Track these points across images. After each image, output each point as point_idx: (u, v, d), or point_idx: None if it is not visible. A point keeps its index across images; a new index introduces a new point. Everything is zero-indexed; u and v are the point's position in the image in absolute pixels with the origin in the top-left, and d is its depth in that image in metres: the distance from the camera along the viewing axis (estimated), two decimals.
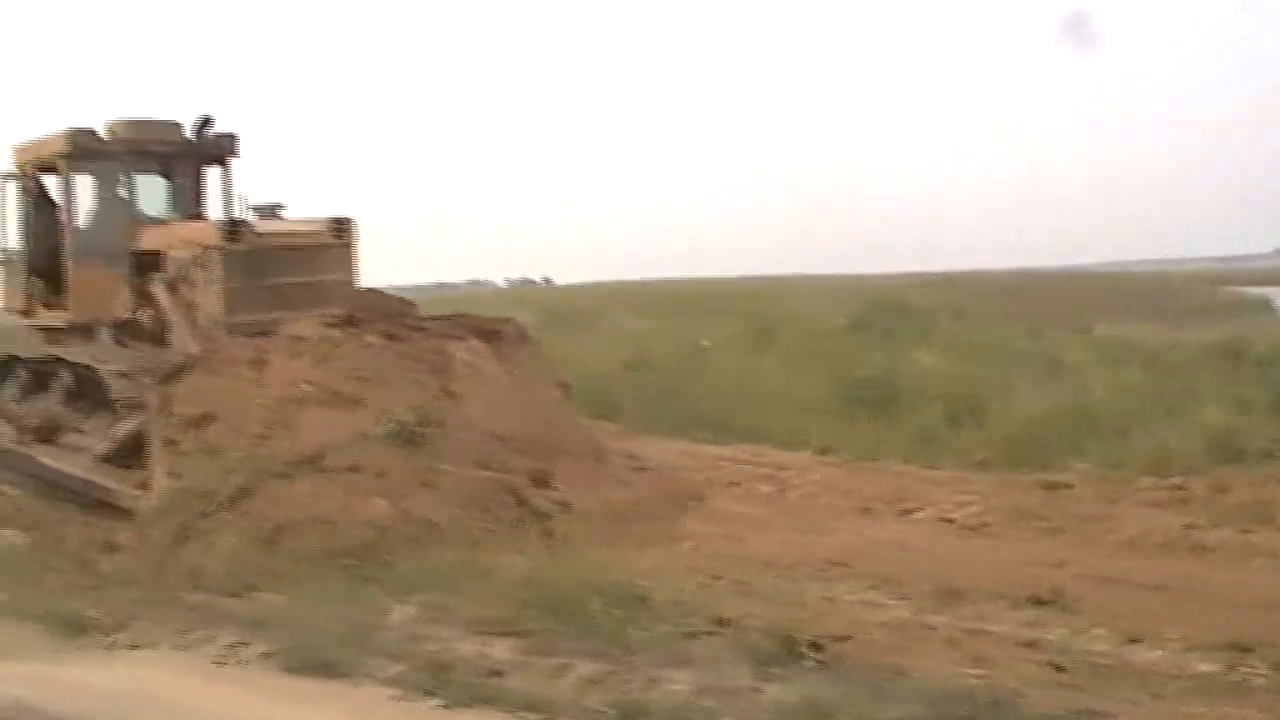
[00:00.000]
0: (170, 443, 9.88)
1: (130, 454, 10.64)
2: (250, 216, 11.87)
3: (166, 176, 13.49)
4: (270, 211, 11.89)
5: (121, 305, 12.55)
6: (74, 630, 7.25)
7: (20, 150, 13.31)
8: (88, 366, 11.60)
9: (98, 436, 11.40)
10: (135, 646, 7.02)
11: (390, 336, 10.61)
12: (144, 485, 10.20)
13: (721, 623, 6.67)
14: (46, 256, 13.10)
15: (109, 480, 10.64)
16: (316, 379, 9.96)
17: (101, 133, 12.61)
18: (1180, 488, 9.83)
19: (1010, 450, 11.60)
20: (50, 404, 12.34)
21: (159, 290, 11.74)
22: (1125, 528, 8.93)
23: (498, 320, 11.93)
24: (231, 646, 6.78)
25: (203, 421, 9.89)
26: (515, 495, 9.39)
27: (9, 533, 10.34)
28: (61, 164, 12.66)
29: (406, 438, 9.45)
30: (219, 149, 13.18)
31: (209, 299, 11.36)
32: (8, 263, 13.72)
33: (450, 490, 9.23)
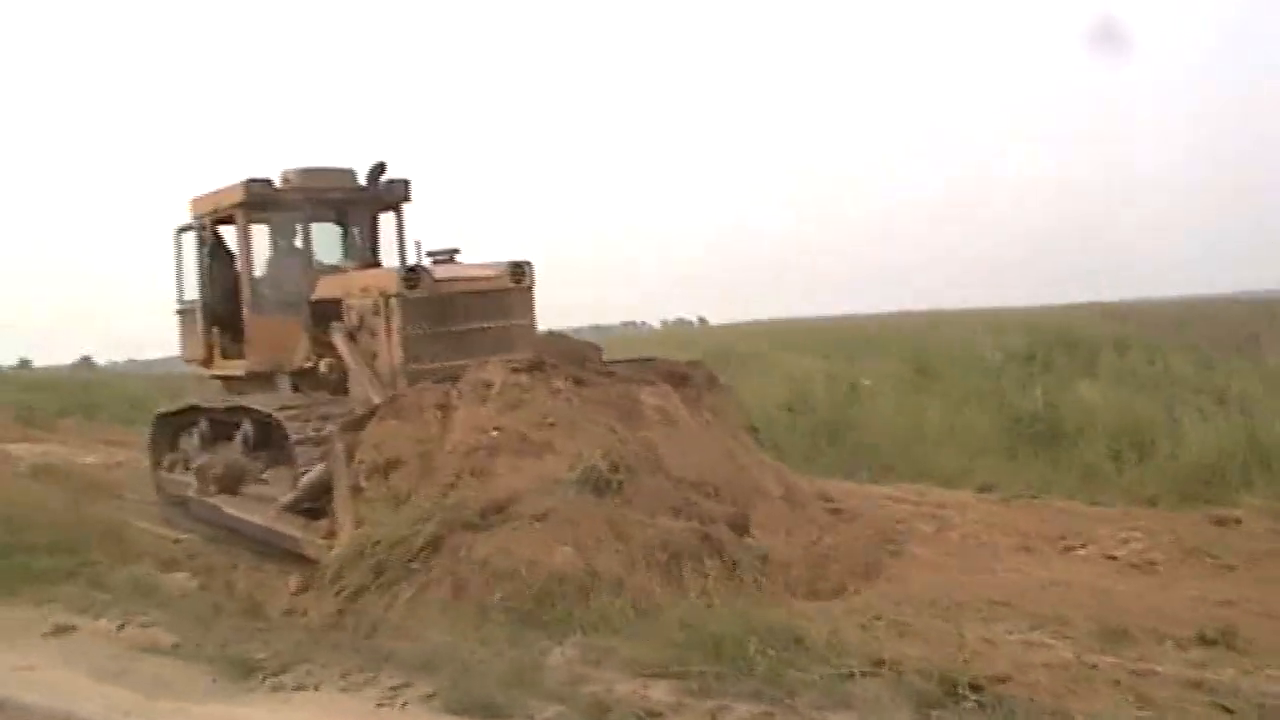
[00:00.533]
0: (356, 490, 9.62)
1: (314, 503, 10.47)
2: (426, 262, 11.62)
3: (341, 224, 13.50)
4: (447, 256, 11.64)
5: (300, 354, 12.49)
6: (240, 672, 7.63)
7: (197, 202, 13.37)
8: (269, 416, 11.45)
9: (280, 486, 11.32)
10: (300, 688, 7.32)
11: (578, 382, 10.31)
12: (330, 533, 10.00)
13: (880, 664, 6.50)
14: (225, 307, 13.12)
15: (293, 529, 10.49)
16: (505, 425, 9.65)
17: (276, 182, 12.60)
18: None
19: (1177, 486, 11.32)
20: (232, 453, 12.34)
21: (338, 338, 11.60)
22: None
23: (687, 364, 11.64)
24: (395, 689, 7.04)
25: (389, 468, 9.61)
26: (712, 544, 8.92)
27: (181, 576, 10.61)
28: (239, 214, 12.66)
29: (598, 484, 9.08)
30: (392, 195, 13.11)
31: (389, 347, 11.17)
32: (187, 313, 13.78)
33: (645, 541, 8.78)
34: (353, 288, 11.79)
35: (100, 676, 7.92)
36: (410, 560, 8.57)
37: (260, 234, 13.02)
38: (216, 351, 13.36)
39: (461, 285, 11.31)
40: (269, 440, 11.88)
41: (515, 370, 10.18)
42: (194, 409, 13.47)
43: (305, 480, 10.52)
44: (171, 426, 14.19)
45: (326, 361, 11.99)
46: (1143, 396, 15.43)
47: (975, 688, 6.02)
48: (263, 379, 12.76)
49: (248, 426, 12.12)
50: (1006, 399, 15.58)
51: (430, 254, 11.62)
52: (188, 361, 14.35)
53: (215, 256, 13.28)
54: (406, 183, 13.10)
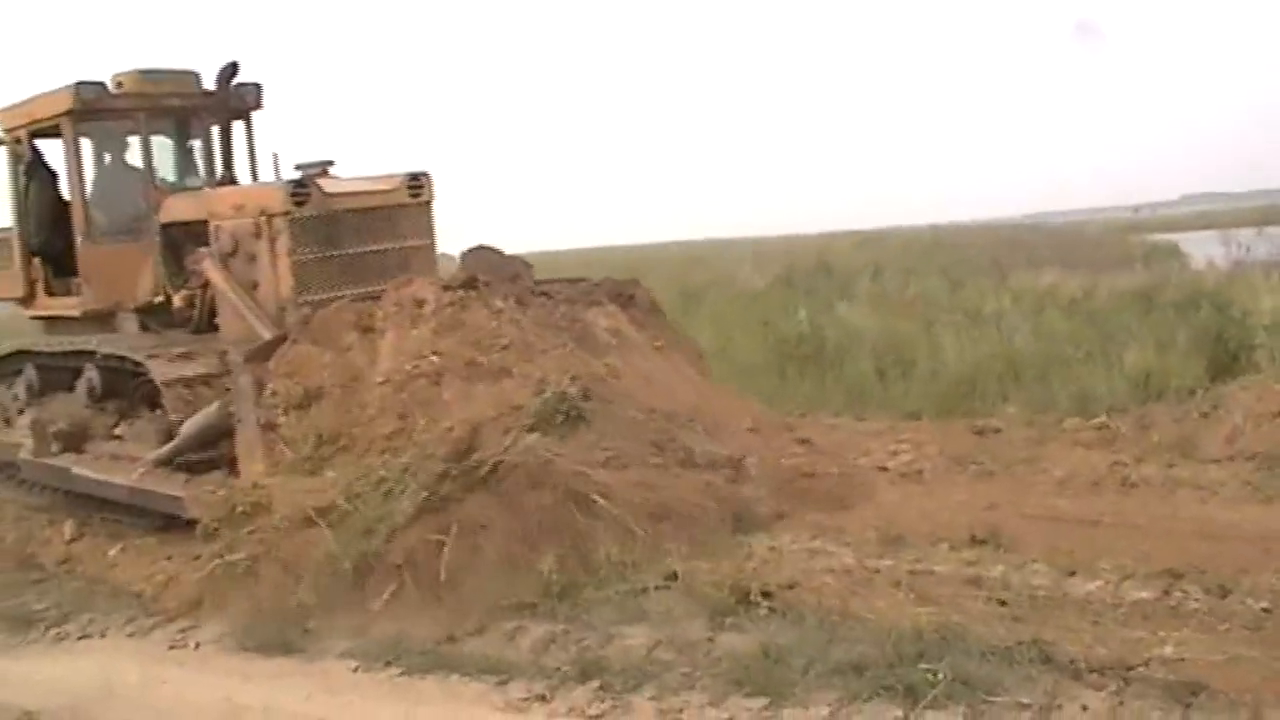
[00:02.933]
0: (269, 428, 8.04)
1: (198, 455, 8.87)
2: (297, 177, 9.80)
3: (183, 135, 11.54)
4: (320, 171, 9.74)
5: (147, 287, 10.68)
6: (19, 625, 7.66)
7: (8, 114, 11.27)
8: (124, 358, 9.65)
9: (139, 441, 9.60)
10: (85, 637, 7.37)
11: (520, 301, 8.93)
12: (221, 489, 8.44)
13: (672, 577, 6.70)
14: (47, 235, 11.15)
15: (173, 487, 8.78)
16: (445, 349, 8.23)
17: (110, 87, 10.60)
18: (1105, 427, 10.00)
19: (939, 400, 11.79)
20: (73, 405, 10.41)
21: (209, 267, 9.72)
22: (1055, 468, 9.01)
23: (628, 283, 10.14)
24: (184, 630, 7.17)
25: (308, 401, 8.10)
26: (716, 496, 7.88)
27: None
28: (66, 125, 10.59)
29: (569, 413, 7.83)
30: (242, 101, 11.17)
31: (273, 275, 9.40)
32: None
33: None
34: (222, 207, 9.90)
35: None
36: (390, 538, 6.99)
37: (87, 150, 11.03)
38: (39, 288, 11.38)
39: (355, 200, 9.59)
40: (117, 389, 10.10)
41: (447, 288, 8.73)
42: (18, 354, 11.37)
43: (189, 426, 8.79)
44: None
45: (184, 295, 10.25)
46: (900, 317, 15.99)
47: (766, 594, 6.23)
48: (101, 318, 10.87)
49: (92, 373, 10.19)
50: (771, 322, 15.82)
51: (298, 168, 9.77)
52: (2, 300, 12.28)
53: (33, 176, 11.20)
54: (258, 86, 11.19)
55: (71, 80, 10.40)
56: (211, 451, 8.76)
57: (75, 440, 10.13)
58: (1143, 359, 11.53)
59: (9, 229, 11.42)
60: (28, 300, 11.53)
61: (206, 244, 9.89)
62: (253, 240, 9.49)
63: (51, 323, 11.51)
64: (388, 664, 6.19)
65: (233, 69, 10.68)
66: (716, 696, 5.34)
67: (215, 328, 9.93)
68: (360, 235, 9.59)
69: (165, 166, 11.30)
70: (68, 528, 9.69)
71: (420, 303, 8.60)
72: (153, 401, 9.53)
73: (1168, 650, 5.31)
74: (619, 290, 9.72)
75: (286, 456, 7.92)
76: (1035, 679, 5.11)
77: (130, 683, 6.49)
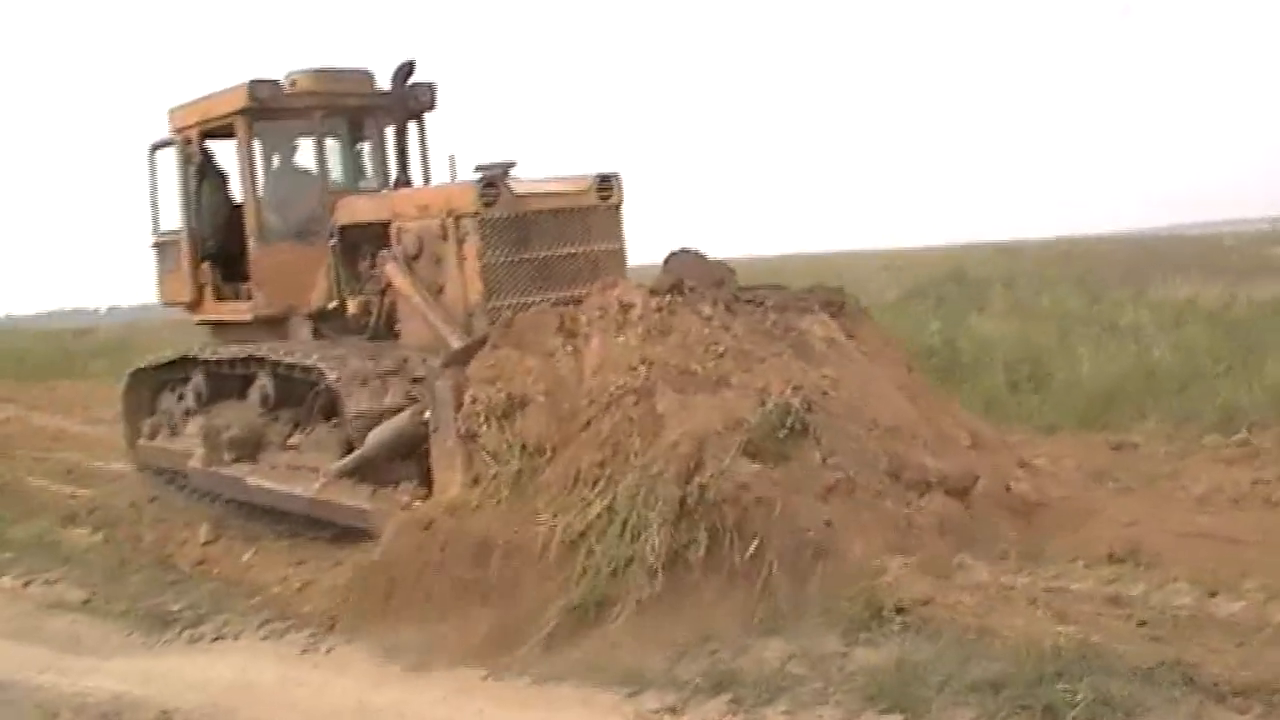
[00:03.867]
0: (469, 438, 7.41)
1: (381, 466, 8.41)
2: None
3: (356, 136, 11.10)
4: (501, 172, 9.10)
5: (321, 292, 10.19)
6: (156, 625, 7.63)
7: (181, 113, 10.85)
8: (299, 366, 9.21)
9: (315, 451, 9.17)
10: (219, 639, 7.34)
11: (728, 308, 8.21)
12: (413, 500, 7.92)
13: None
14: (218, 238, 10.73)
15: (358, 499, 8.37)
16: (654, 356, 7.53)
17: (284, 86, 10.19)
18: (1247, 443, 9.61)
19: (1075, 413, 11.34)
20: (246, 413, 9.98)
21: (392, 269, 9.20)
22: (1196, 484, 8.65)
23: (836, 290, 9.37)
24: (314, 635, 7.09)
25: (513, 410, 7.44)
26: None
27: (82, 531, 10.23)
28: (240, 124, 10.17)
29: (794, 426, 7.11)
30: (416, 102, 10.64)
31: (461, 278, 8.84)
32: (167, 247, 11.29)
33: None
34: (406, 207, 9.39)
35: (10, 635, 7.77)
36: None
37: (258, 151, 10.60)
38: (208, 292, 10.94)
39: (545, 202, 9.03)
40: (291, 397, 9.66)
41: (654, 292, 8.04)
42: (184, 362, 10.98)
43: (377, 435, 8.31)
44: (150, 385, 11.72)
45: (359, 300, 9.75)
46: (1034, 328, 15.44)
47: (900, 610, 5.98)
48: (273, 324, 10.43)
49: (265, 380, 9.78)
50: (904, 334, 14.71)
51: (479, 170, 9.15)
52: (168, 304, 11.85)
53: (205, 177, 10.81)
54: (432, 86, 10.69)
55: (243, 80, 10.06)
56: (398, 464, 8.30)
57: (249, 449, 9.69)
58: None
59: (175, 232, 11.06)
60: (195, 304, 11.10)
61: (385, 247, 9.40)
62: (439, 242, 8.95)
63: (219, 328, 11.09)
64: (521, 672, 6.10)
65: (409, 68, 10.12)
66: (851, 712, 5.22)
67: (394, 334, 9.46)
68: (550, 238, 9.03)
69: (336, 168, 10.93)
70: (203, 530, 9.59)
71: (627, 307, 7.94)
72: (329, 410, 9.08)
73: None
74: (829, 298, 9.01)
75: (489, 468, 7.32)
76: (1178, 701, 4.90)
77: (267, 683, 6.51)
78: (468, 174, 9.23)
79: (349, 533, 8.45)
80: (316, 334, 10.20)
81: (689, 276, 8.34)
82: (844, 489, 6.97)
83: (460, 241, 8.81)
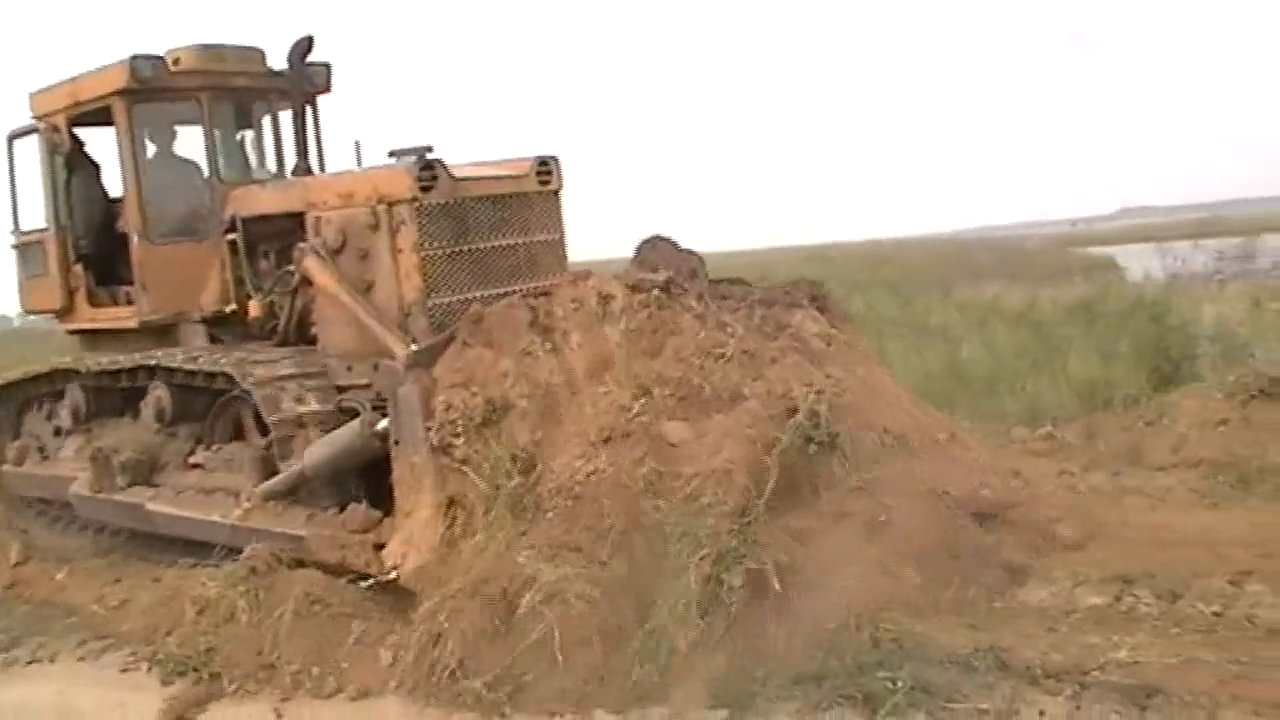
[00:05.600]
0: (444, 450, 6.38)
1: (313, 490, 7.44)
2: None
3: (244, 121, 9.88)
4: (417, 157, 7.84)
5: (213, 294, 9.03)
6: None
7: (45, 96, 9.49)
8: (208, 374, 8.09)
9: (227, 470, 8.09)
10: (34, 662, 7.11)
11: (716, 303, 7.46)
12: (367, 528, 6.94)
13: None
14: (91, 236, 9.45)
15: (289, 525, 7.30)
16: (658, 374, 6.72)
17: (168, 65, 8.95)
18: (1051, 436, 9.99)
19: None
20: (140, 431, 8.74)
21: (313, 265, 7.98)
22: None
23: (818, 284, 8.62)
24: (135, 653, 6.78)
25: (494, 418, 6.47)
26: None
27: None
28: (120, 106, 8.88)
29: (822, 441, 6.45)
30: (313, 84, 9.46)
31: (396, 274, 7.65)
32: (27, 248, 9.88)
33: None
34: (325, 195, 8.15)
35: None
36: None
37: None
38: (81, 297, 9.60)
39: (485, 187, 7.93)
40: (192, 410, 8.52)
41: (636, 289, 7.21)
42: (55, 375, 9.66)
43: (318, 450, 7.25)
44: (12, 403, 10.33)
45: (263, 302, 8.62)
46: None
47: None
48: (160, 331, 9.16)
49: (161, 392, 8.54)
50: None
51: (393, 155, 7.98)
52: (32, 313, 10.57)
53: (75, 168, 9.49)
54: (328, 66, 9.57)
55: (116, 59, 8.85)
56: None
57: (145, 471, 8.51)
58: (1087, 369, 11.67)
59: (39, 231, 9.69)
60: (66, 312, 9.74)
61: (295, 242, 8.26)
62: (368, 233, 7.75)
63: (94, 337, 9.73)
64: None
65: (308, 45, 8.93)
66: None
67: (306, 339, 8.37)
68: (489, 228, 7.93)
69: (227, 155, 9.69)
70: (14, 551, 9.00)
71: (607, 298, 7.09)
72: (239, 424, 8.14)
73: (1122, 654, 5.27)
74: (814, 291, 8.26)
75: (470, 490, 6.33)
76: (993, 685, 5.06)
77: (86, 706, 6.37)
78: (376, 162, 8.22)
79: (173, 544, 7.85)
80: (213, 341, 9.02)
81: (664, 267, 7.54)
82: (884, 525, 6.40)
83: (394, 232, 7.64)
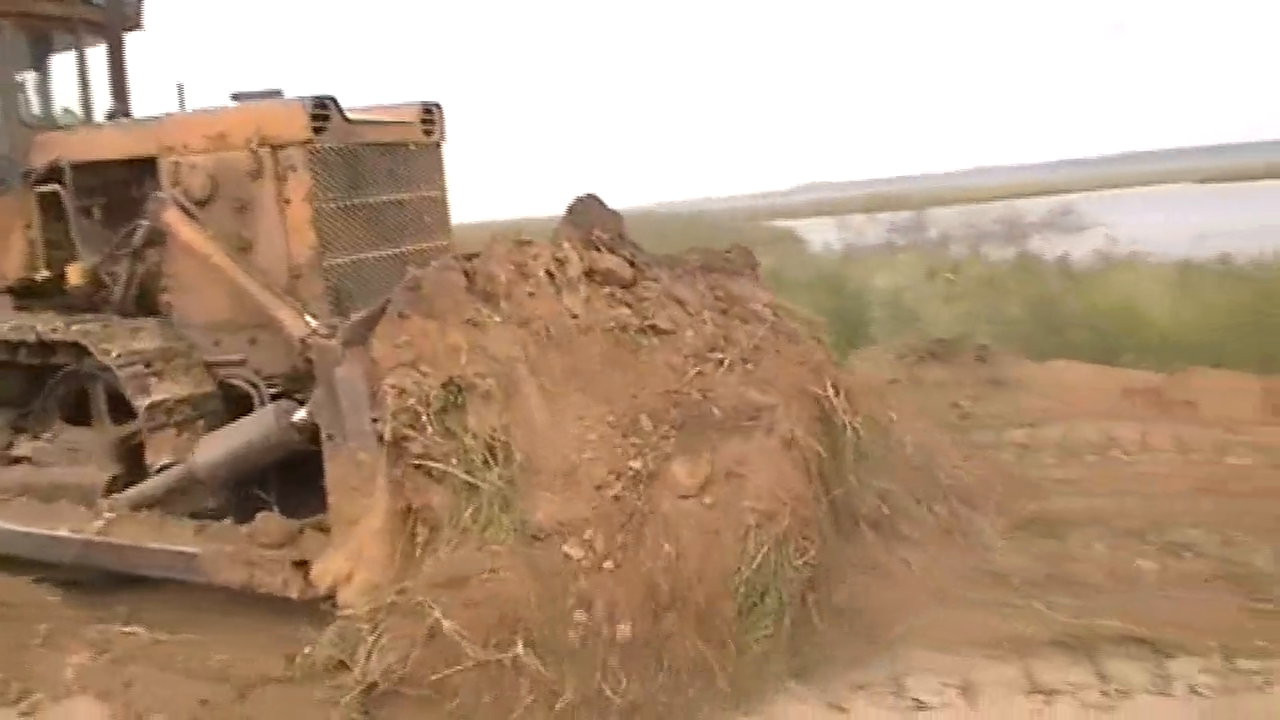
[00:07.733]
0: (396, 445, 5.15)
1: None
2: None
3: (44, 56, 8.13)
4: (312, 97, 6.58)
5: (20, 258, 7.43)
6: None
7: None
8: (43, 345, 6.78)
9: (67, 464, 6.72)
10: None
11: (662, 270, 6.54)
12: (283, 544, 5.73)
13: None
14: None
15: (174, 540, 5.99)
16: (650, 391, 5.73)
17: None
18: None
19: None
20: None
21: (174, 219, 6.57)
22: None
23: (746, 250, 7.62)
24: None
25: (455, 402, 5.27)
26: None
27: None
28: None
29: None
30: (123, 18, 7.91)
31: (283, 229, 6.40)
32: None
33: None
34: (189, 137, 6.69)
35: None
36: None
37: None
38: None
39: (376, 133, 6.78)
40: (8, 392, 7.11)
41: (582, 247, 6.21)
42: None
43: (220, 444, 6.09)
44: None
45: (85, 267, 7.08)
46: None
47: None
48: None
49: None
50: None
51: (236, 98, 6.78)
52: None
53: None
54: (138, 1, 8.00)
55: None
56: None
57: None
58: None
59: None
60: None
61: (131, 196, 6.98)
62: (247, 182, 6.45)
63: None
64: None
65: None
66: None
67: (149, 309, 6.97)
68: (381, 179, 6.82)
69: (27, 95, 7.99)
70: None
71: (561, 262, 6.07)
72: (79, 406, 6.83)
73: None
74: (749, 259, 7.41)
75: (435, 495, 5.18)
76: None
77: None
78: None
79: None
80: (20, 312, 7.40)
81: (599, 229, 6.55)
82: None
83: (281, 179, 6.39)
